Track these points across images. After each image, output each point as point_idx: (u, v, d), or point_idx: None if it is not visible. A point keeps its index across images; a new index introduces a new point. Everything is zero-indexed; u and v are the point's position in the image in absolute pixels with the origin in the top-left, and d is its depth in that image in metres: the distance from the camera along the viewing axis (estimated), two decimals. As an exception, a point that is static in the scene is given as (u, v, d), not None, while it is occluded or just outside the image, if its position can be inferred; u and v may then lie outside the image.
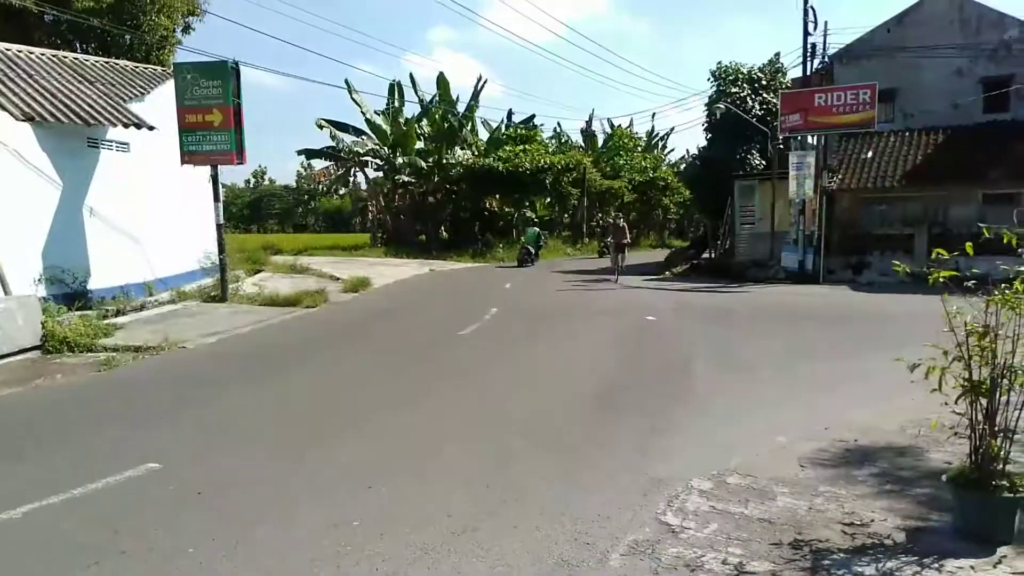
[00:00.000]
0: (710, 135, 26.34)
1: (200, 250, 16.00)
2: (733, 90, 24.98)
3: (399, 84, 31.56)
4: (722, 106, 22.91)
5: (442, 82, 32.88)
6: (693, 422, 6.06)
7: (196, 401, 7.04)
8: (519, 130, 35.42)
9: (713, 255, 26.07)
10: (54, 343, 9.64)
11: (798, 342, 10.36)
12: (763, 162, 24.30)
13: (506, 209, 35.55)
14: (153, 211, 14.61)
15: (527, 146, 33.15)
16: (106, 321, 11.29)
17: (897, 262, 4.23)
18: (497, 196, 34.15)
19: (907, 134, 20.94)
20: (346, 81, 32.22)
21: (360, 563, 3.55)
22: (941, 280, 3.70)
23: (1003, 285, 3.67)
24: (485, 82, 35.34)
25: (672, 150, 54.18)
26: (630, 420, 6.09)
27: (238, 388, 7.65)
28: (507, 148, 32.44)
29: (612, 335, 10.87)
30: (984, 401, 3.62)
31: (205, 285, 15.23)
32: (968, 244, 3.77)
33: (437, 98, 33.06)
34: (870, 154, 20.63)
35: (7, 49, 14.10)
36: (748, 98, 24.86)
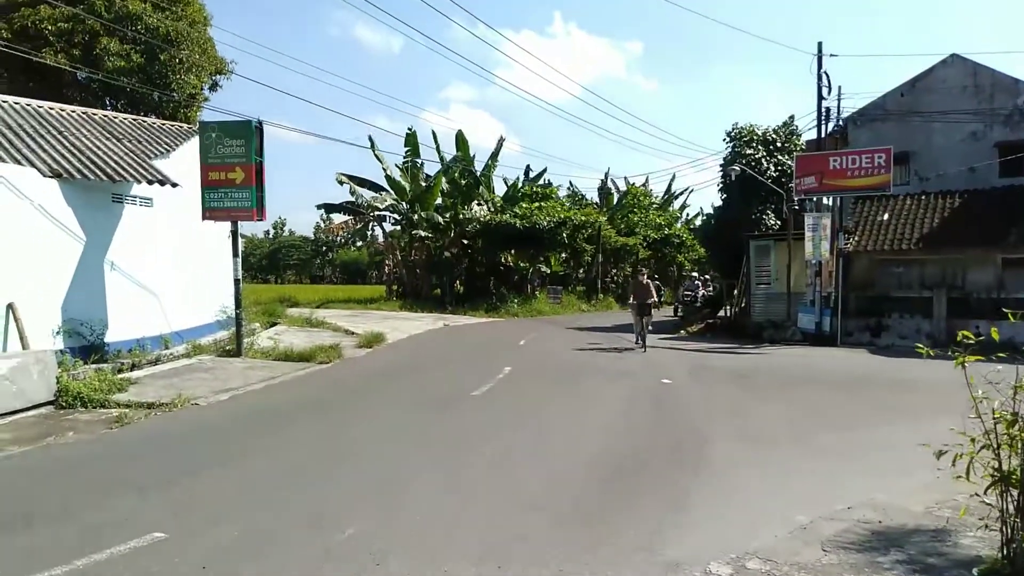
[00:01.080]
0: (725, 195, 26.49)
1: (217, 303, 16.14)
2: (748, 151, 25.20)
3: (415, 133, 32.12)
4: (737, 168, 23.09)
5: (461, 140, 33.46)
6: (710, 497, 5.90)
7: (205, 464, 6.96)
8: (535, 188, 35.85)
9: (729, 314, 25.92)
10: (67, 398, 9.65)
11: (818, 409, 10.17)
12: (778, 222, 24.34)
13: (521, 264, 35.70)
14: (173, 264, 14.81)
15: (543, 203, 33.48)
16: (120, 375, 11.32)
17: (920, 345, 4.15)
18: (512, 251, 34.34)
19: (923, 197, 20.94)
20: (369, 138, 33.06)
21: (366, 651, 3.43)
22: (964, 364, 3.61)
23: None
24: (503, 142, 35.89)
25: (689, 206, 54.31)
26: (646, 494, 5.94)
27: (247, 452, 7.58)
28: (523, 205, 32.76)
29: (627, 399, 10.73)
30: (1015, 492, 3.50)
31: (221, 338, 15.29)
32: (994, 330, 3.66)
33: (456, 157, 33.60)
34: (886, 216, 20.62)
35: (39, 107, 14.56)
36: (763, 159, 25.06)
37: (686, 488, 6.11)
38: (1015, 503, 3.49)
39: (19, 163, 11.71)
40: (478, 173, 34.50)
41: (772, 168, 24.97)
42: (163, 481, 6.37)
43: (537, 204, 33.13)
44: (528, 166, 38.34)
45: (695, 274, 34.87)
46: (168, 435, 8.39)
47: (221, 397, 10.50)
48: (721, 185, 26.61)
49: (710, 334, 23.39)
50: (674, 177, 50.25)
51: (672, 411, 9.84)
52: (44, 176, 11.79)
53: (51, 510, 5.59)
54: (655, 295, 18.12)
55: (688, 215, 53.55)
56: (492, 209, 34.02)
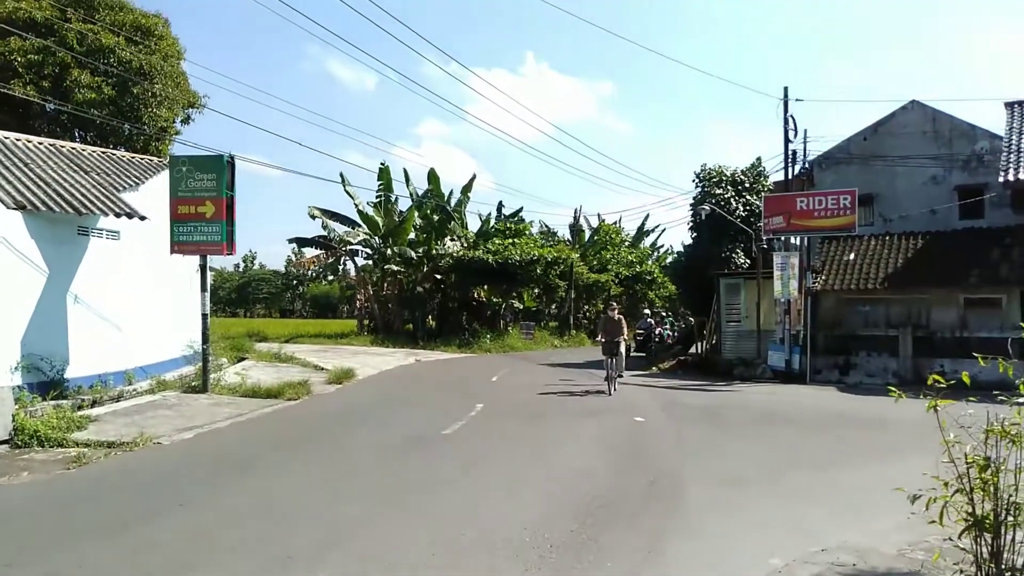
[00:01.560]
0: (695, 234, 26.84)
1: (184, 338, 15.81)
2: (717, 191, 25.66)
3: (388, 168, 32.19)
4: (707, 207, 23.47)
5: (433, 177, 33.64)
6: (684, 542, 5.84)
7: (165, 508, 6.72)
8: (508, 224, 36.07)
9: (701, 351, 26.09)
10: (24, 437, 9.33)
11: (789, 449, 10.20)
12: (748, 261, 24.70)
13: (494, 300, 35.70)
14: (138, 298, 14.53)
15: (516, 239, 33.66)
16: (80, 412, 10.98)
17: (892, 388, 4.18)
18: (485, 287, 34.35)
19: (887, 238, 21.44)
20: (340, 175, 33.05)
21: None
22: (936, 408, 3.64)
23: (999, 396, 3.62)
24: (474, 178, 36.32)
25: (663, 246, 54.91)
26: (620, 540, 5.85)
27: (208, 495, 7.34)
28: (496, 241, 32.90)
29: (600, 438, 10.66)
30: (988, 537, 3.51)
31: (187, 374, 14.96)
32: (965, 375, 3.70)
33: (428, 192, 33.75)
34: (852, 256, 21.04)
35: (5, 137, 14.33)
36: (732, 199, 25.52)
37: (660, 530, 6.05)
38: (989, 548, 3.50)
39: (-18, 194, 11.46)
40: (451, 209, 34.64)
41: (741, 208, 25.43)
42: (120, 525, 6.13)
43: (510, 240, 33.30)
44: (500, 202, 38.84)
45: (647, 312, 33.41)
46: (127, 476, 8.11)
47: (185, 435, 10.22)
48: (691, 224, 26.98)
49: (681, 371, 23.50)
50: (647, 217, 50.82)
51: (645, 451, 9.79)
52: (7, 208, 11.55)
53: (2, 556, 5.33)
54: (625, 332, 16.76)
55: (659, 253, 54.15)
56: (465, 244, 34.10)
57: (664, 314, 36.03)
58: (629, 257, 45.67)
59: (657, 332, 30.51)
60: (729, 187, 25.99)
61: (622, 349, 16.45)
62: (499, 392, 16.17)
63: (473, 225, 37.34)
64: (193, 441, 10.01)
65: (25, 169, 13.17)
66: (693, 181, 27.30)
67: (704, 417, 12.92)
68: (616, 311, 17.17)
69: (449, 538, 5.82)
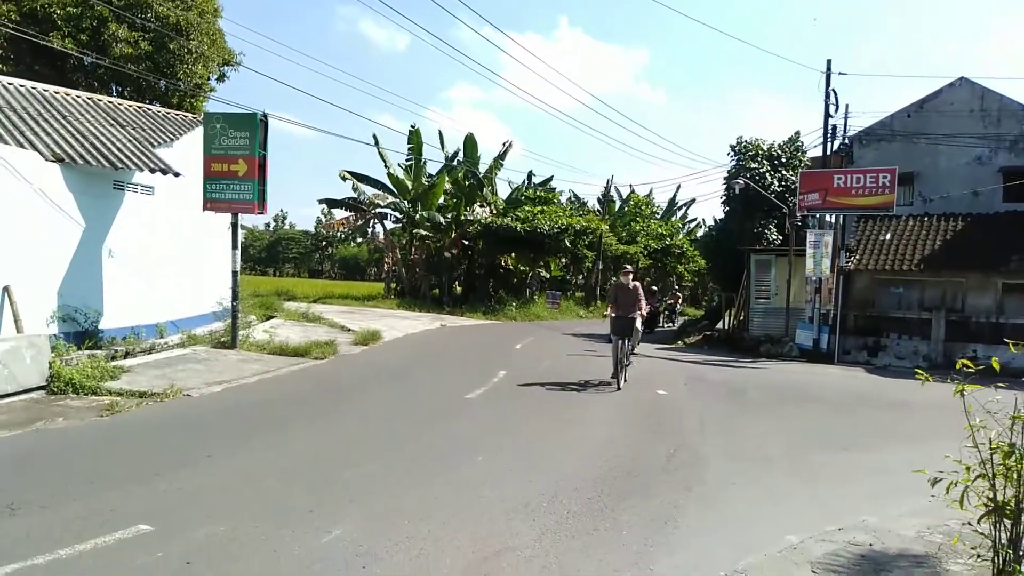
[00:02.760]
0: (728, 208, 26.47)
1: (214, 294, 16.09)
2: (752, 165, 25.18)
3: (419, 131, 32.04)
4: (741, 181, 23.06)
5: (469, 142, 33.46)
6: (702, 514, 5.86)
7: (193, 458, 6.91)
8: (538, 192, 35.82)
9: (728, 327, 25.89)
10: (59, 384, 9.60)
11: (813, 428, 10.14)
12: (780, 237, 24.32)
13: (521, 268, 35.65)
14: (171, 253, 14.76)
15: (545, 207, 33.46)
16: (113, 363, 11.26)
17: (920, 370, 4.11)
18: (512, 254, 34.30)
19: (926, 219, 20.93)
20: (373, 136, 33.16)
21: (347, 656, 3.39)
22: (963, 393, 3.58)
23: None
24: (510, 146, 35.78)
25: (694, 219, 54.21)
26: (636, 510, 5.89)
27: (235, 446, 7.53)
28: (526, 208, 32.75)
29: (622, 410, 10.68)
30: (1008, 523, 3.47)
31: (216, 330, 15.24)
32: (995, 360, 3.62)
33: (461, 156, 33.59)
34: (888, 236, 20.60)
35: (44, 90, 14.52)
36: (767, 174, 25.03)
37: (677, 503, 6.07)
38: (1008, 533, 3.46)
39: (22, 146, 11.67)
40: (482, 175, 34.49)
41: (776, 183, 24.95)
42: (150, 472, 6.32)
43: (539, 208, 33.11)
44: (531, 172, 38.34)
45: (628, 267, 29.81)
46: (158, 426, 8.34)
47: (213, 389, 10.46)
48: (724, 198, 26.60)
49: (707, 346, 23.36)
50: (679, 188, 50.26)
51: (667, 424, 9.80)
52: (46, 160, 11.75)
53: (37, 497, 5.54)
54: (643, 304, 12.63)
55: (690, 227, 53.53)
56: (494, 211, 34.00)
57: (655, 288, 32.00)
58: (659, 229, 45.22)
59: (668, 305, 27.09)
60: (765, 161, 25.48)
61: (638, 325, 12.63)
62: (523, 360, 16.23)
63: (503, 193, 37.23)
64: (221, 395, 10.24)
65: (63, 122, 13.36)
66: (728, 154, 26.84)
67: (728, 393, 12.87)
68: (631, 275, 13.00)
69: (468, 500, 5.90)
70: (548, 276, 38.45)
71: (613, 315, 12.65)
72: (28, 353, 9.46)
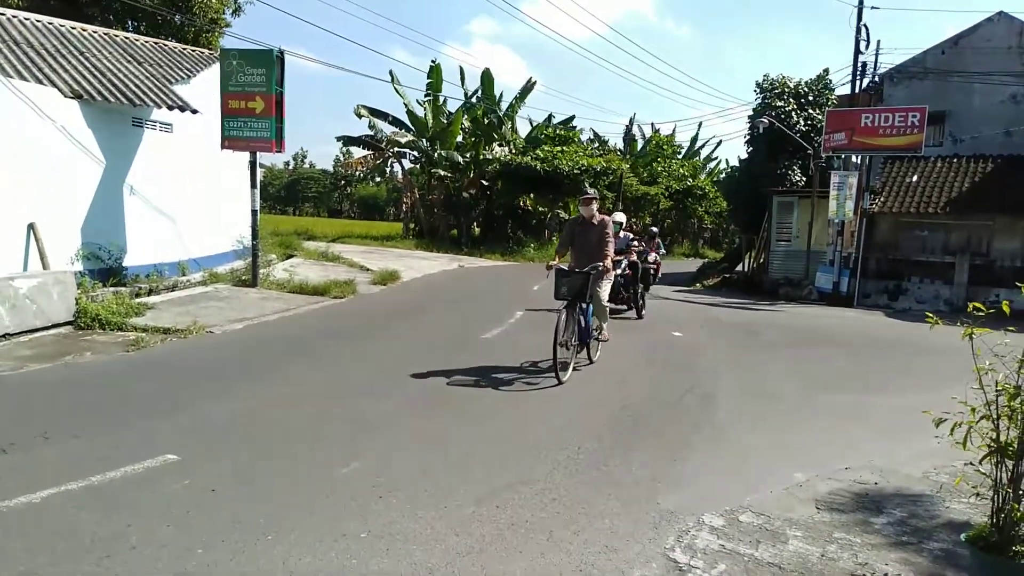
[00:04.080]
0: (751, 148, 26.00)
1: (234, 233, 16.25)
2: (778, 103, 24.60)
3: (439, 67, 31.47)
4: (766, 120, 22.56)
5: (486, 78, 32.89)
6: (711, 451, 5.97)
7: (216, 392, 7.13)
8: (558, 130, 35.29)
9: (747, 269, 25.75)
10: (86, 319, 9.86)
11: (827, 369, 10.18)
12: (803, 178, 23.91)
13: (540, 208, 35.47)
14: (191, 192, 14.87)
15: (565, 147, 33.03)
16: (138, 300, 11.51)
17: (930, 314, 4.11)
18: (532, 195, 34.09)
19: (955, 160, 20.42)
20: (390, 72, 32.39)
21: (363, 578, 3.56)
22: (971, 335, 3.59)
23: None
24: (533, 84, 34.94)
25: (716, 159, 53.27)
26: (647, 445, 6.02)
27: (258, 382, 7.74)
28: (545, 148, 32.37)
29: (637, 350, 10.78)
30: (1010, 464, 3.51)
31: (237, 268, 15.45)
32: (1005, 303, 3.60)
33: (480, 93, 33.05)
34: (915, 178, 20.17)
35: (61, 25, 14.43)
36: (793, 113, 24.47)
37: (687, 442, 6.18)
38: (1009, 473, 3.51)
39: (40, 82, 11.69)
40: (502, 113, 33.98)
41: (802, 122, 24.40)
42: (175, 405, 6.54)
43: (559, 148, 32.71)
44: (551, 115, 37.48)
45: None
46: (181, 361, 8.57)
47: (235, 326, 10.68)
48: (748, 137, 26.10)
49: (726, 289, 23.31)
50: (700, 125, 49.21)
51: (680, 364, 9.88)
52: (65, 96, 11.78)
53: (69, 427, 5.78)
54: (610, 251, 8.47)
55: (713, 167, 52.66)
56: (513, 150, 33.64)
57: (653, 230, 19.60)
58: (681, 170, 44.60)
59: (653, 259, 16.51)
60: (791, 99, 24.88)
61: (602, 287, 8.55)
62: (539, 301, 16.30)
63: (523, 132, 36.72)
64: (243, 332, 10.46)
65: (81, 58, 13.31)
66: (754, 91, 26.23)
67: (744, 335, 12.90)
68: (595, 206, 8.67)
69: (482, 436, 6.06)
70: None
71: (558, 266, 8.44)
72: (55, 289, 9.69)
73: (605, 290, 8.67)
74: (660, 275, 17.76)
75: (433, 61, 31.35)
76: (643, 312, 14.14)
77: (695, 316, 15.27)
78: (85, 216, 12.23)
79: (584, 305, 8.35)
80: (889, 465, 5.69)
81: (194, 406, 6.55)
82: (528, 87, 34.60)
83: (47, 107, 11.36)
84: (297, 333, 10.68)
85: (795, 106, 24.82)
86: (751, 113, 26.09)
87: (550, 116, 38.41)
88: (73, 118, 11.91)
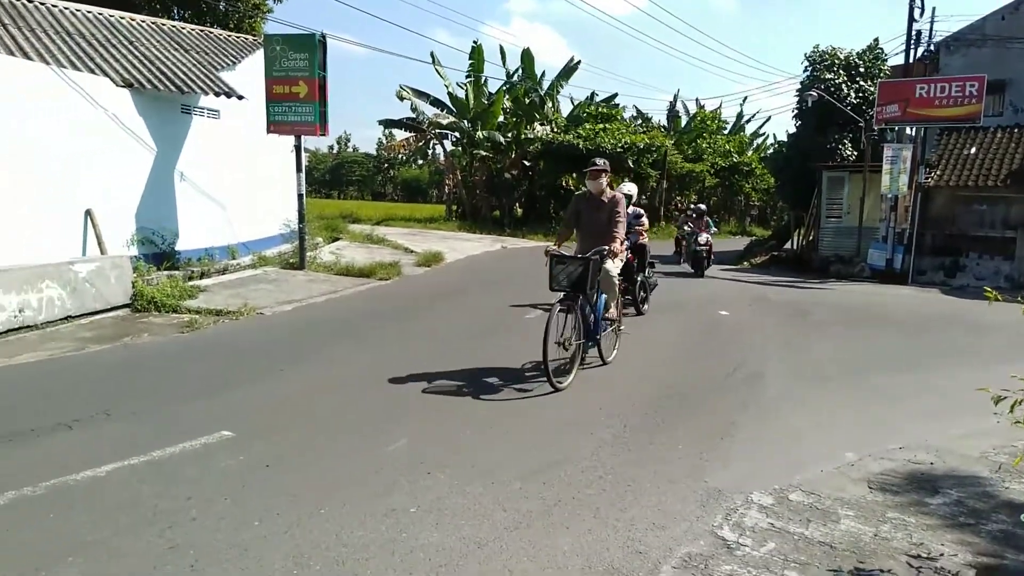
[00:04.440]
0: (800, 122, 25.30)
1: (281, 217, 16.53)
2: (828, 76, 23.83)
3: (480, 47, 31.34)
4: (815, 93, 21.91)
5: (527, 57, 32.61)
6: (758, 430, 5.90)
7: (268, 371, 7.31)
8: (600, 108, 34.83)
9: (795, 247, 25.20)
10: (142, 302, 10.18)
11: (878, 349, 9.93)
12: (855, 153, 23.20)
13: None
14: (238, 177, 15.15)
15: (607, 125, 32.61)
16: (191, 283, 11.82)
17: (989, 289, 3.96)
18: (574, 174, 33.84)
19: (1016, 130, 19.56)
20: (431, 54, 32.32)
21: (413, 551, 3.63)
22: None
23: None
24: (577, 63, 34.43)
25: (764, 135, 51.95)
26: (692, 425, 5.97)
27: (308, 361, 7.89)
28: (587, 126, 32.02)
29: (683, 329, 10.68)
30: (1076, 443, 3.39)
31: (284, 251, 15.74)
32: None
33: (521, 72, 32.82)
34: (973, 150, 19.40)
35: (111, 16, 14.77)
36: (843, 85, 23.68)
37: (734, 421, 6.12)
38: (1075, 454, 3.40)
39: (93, 72, 12.00)
40: (543, 92, 33.70)
41: (852, 95, 23.62)
42: (228, 384, 6.73)
43: (601, 126, 32.31)
44: (593, 92, 36.95)
45: (694, 208, 20.26)
46: (234, 342, 8.80)
47: (284, 308, 10.90)
48: (796, 111, 25.39)
49: (774, 267, 22.86)
50: (745, 99, 48.05)
51: (726, 344, 9.76)
52: (116, 85, 12.08)
53: (129, 405, 5.99)
54: (619, 233, 7.34)
55: (760, 143, 51.43)
56: (555, 129, 33.39)
57: (701, 207, 20.02)
58: (726, 146, 43.67)
59: (705, 240, 17.64)
60: (841, 71, 24.07)
61: (609, 267, 7.43)
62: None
63: (565, 111, 36.38)
64: (292, 313, 10.68)
65: (130, 47, 13.63)
66: (802, 63, 25.44)
67: (793, 313, 12.66)
68: (604, 180, 7.45)
69: (528, 415, 6.09)
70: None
71: (556, 252, 7.21)
72: (112, 273, 10.02)
73: (615, 266, 7.66)
74: (713, 256, 17.53)
75: (475, 42, 31.31)
76: (645, 307, 11.54)
77: (742, 295, 15.03)
78: (139, 202, 12.57)
79: (587, 296, 7.13)
80: (944, 445, 5.54)
81: (247, 385, 6.73)
82: (571, 66, 34.17)
83: (100, 96, 11.66)
84: (344, 315, 10.85)
85: (845, 78, 24.02)
86: (799, 86, 25.36)
87: (592, 94, 37.97)
88: (125, 106, 12.21)
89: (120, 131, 12.07)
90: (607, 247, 7.17)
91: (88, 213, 11.34)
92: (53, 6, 13.83)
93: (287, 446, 5.13)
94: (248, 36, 18.89)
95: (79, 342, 8.29)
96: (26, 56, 11.43)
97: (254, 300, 11.00)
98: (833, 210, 22.20)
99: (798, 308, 13.33)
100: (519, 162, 32.79)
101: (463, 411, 6.10)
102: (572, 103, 37.10)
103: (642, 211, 12.25)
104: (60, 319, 9.03)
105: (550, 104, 34.35)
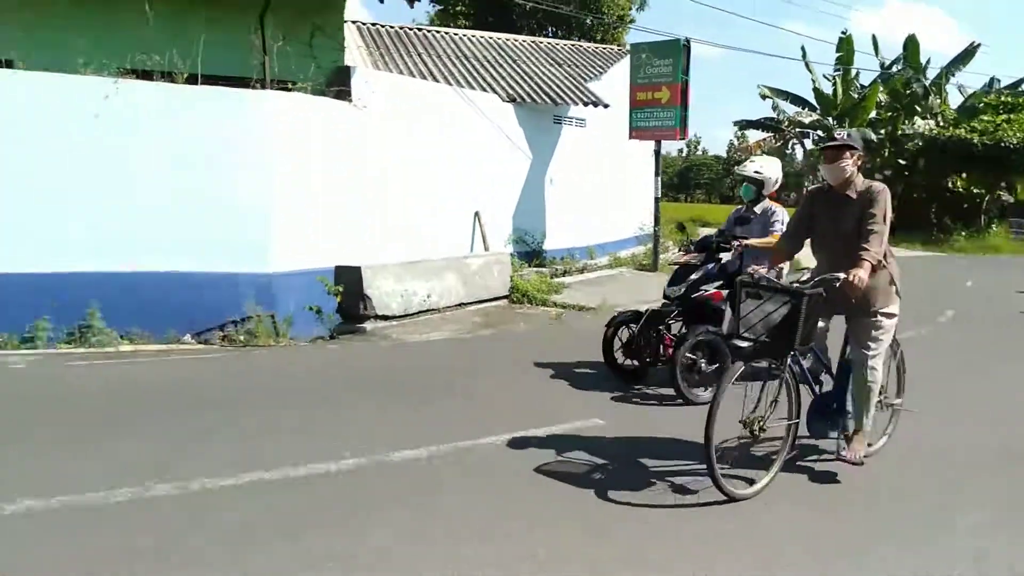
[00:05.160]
0: None
1: (635, 220, 17.05)
2: None
3: (850, 38, 28.61)
4: None
5: (911, 45, 28.96)
6: None
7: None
8: (1003, 97, 29.32)
9: None
10: (517, 295, 11.30)
11: None
12: None
13: (974, 190, 30.05)
14: (598, 181, 16.02)
15: (1011, 116, 27.32)
16: (555, 279, 12.80)
17: None
18: (964, 174, 29.09)
19: None
20: (802, 48, 30.53)
21: None
22: None
23: None
24: (976, 47, 29.43)
25: None
26: None
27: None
28: (984, 118, 27.24)
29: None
30: None
31: (636, 253, 16.22)
32: None
33: (903, 62, 29.23)
34: None
35: (497, 38, 16.70)
36: None
37: None
38: None
39: (484, 90, 13.67)
40: (927, 82, 29.55)
41: None
42: (599, 374, 7.05)
43: (1003, 117, 27.21)
44: (992, 78, 31.16)
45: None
46: (599, 335, 9.23)
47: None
48: None
49: None
50: None
51: None
52: (503, 101, 13.58)
53: (511, 386, 6.69)
54: (874, 244, 4.12)
55: None
56: (941, 123, 29.05)
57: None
58: None
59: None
60: None
61: (878, 334, 4.46)
62: (973, 299, 13.90)
63: (954, 103, 31.44)
64: (648, 312, 10.92)
65: (513, 65, 15.24)
66: None
67: None
68: (847, 163, 4.27)
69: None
70: (1012, 201, 31.65)
71: (748, 273, 4.46)
72: (495, 268, 11.29)
73: (883, 341, 4.50)
74: None
75: (843, 32, 28.78)
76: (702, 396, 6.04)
77: None
78: (515, 205, 13.98)
79: (811, 355, 4.64)
80: None
81: (605, 382, 6.97)
82: (970, 49, 29.39)
83: (489, 111, 13.22)
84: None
85: None
86: None
87: (991, 80, 32.08)
88: (508, 119, 13.67)
89: (504, 141, 13.54)
90: (849, 272, 4.06)
91: (476, 215, 12.93)
92: (455, 34, 16.10)
93: (650, 431, 5.18)
94: (613, 46, 19.86)
95: (472, 326, 9.56)
96: (434, 79, 13.48)
97: (612, 298, 11.45)
98: None
99: None
100: (893, 161, 29.25)
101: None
102: (961, 93, 31.90)
103: (779, 207, 6.79)
104: (455, 305, 10.44)
105: (935, 96, 29.96)
